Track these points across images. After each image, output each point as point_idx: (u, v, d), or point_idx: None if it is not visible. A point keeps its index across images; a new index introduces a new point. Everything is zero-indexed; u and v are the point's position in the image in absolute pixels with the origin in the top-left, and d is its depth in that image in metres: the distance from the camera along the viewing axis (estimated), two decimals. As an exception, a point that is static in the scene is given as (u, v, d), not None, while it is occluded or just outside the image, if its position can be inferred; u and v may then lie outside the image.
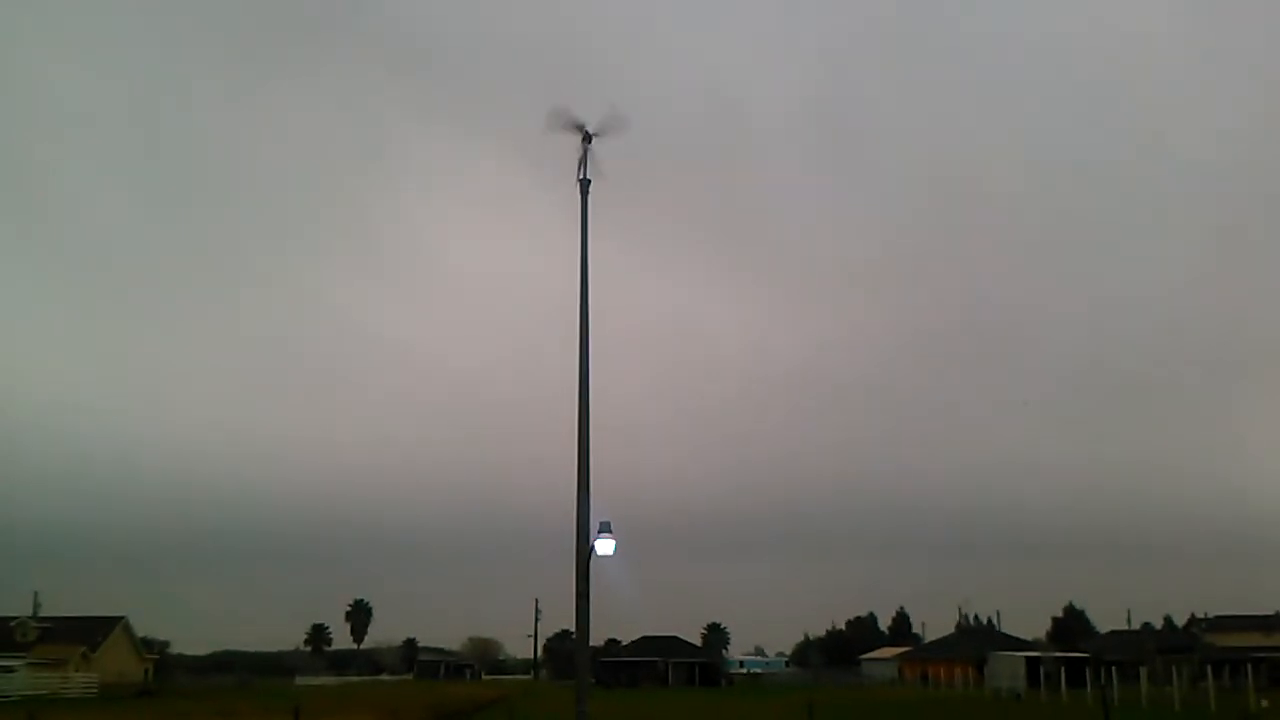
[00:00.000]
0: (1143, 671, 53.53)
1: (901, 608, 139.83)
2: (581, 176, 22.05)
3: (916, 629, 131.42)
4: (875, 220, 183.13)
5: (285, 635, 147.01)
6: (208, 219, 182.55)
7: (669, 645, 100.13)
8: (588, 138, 21.88)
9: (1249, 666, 48.30)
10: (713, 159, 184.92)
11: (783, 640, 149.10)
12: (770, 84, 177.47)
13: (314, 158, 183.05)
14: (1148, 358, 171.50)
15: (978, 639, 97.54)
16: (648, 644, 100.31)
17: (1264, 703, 41.00)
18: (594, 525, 19.70)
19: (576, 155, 22.01)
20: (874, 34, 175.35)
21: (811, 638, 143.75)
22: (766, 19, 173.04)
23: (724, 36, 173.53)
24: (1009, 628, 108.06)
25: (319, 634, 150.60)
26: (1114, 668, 54.73)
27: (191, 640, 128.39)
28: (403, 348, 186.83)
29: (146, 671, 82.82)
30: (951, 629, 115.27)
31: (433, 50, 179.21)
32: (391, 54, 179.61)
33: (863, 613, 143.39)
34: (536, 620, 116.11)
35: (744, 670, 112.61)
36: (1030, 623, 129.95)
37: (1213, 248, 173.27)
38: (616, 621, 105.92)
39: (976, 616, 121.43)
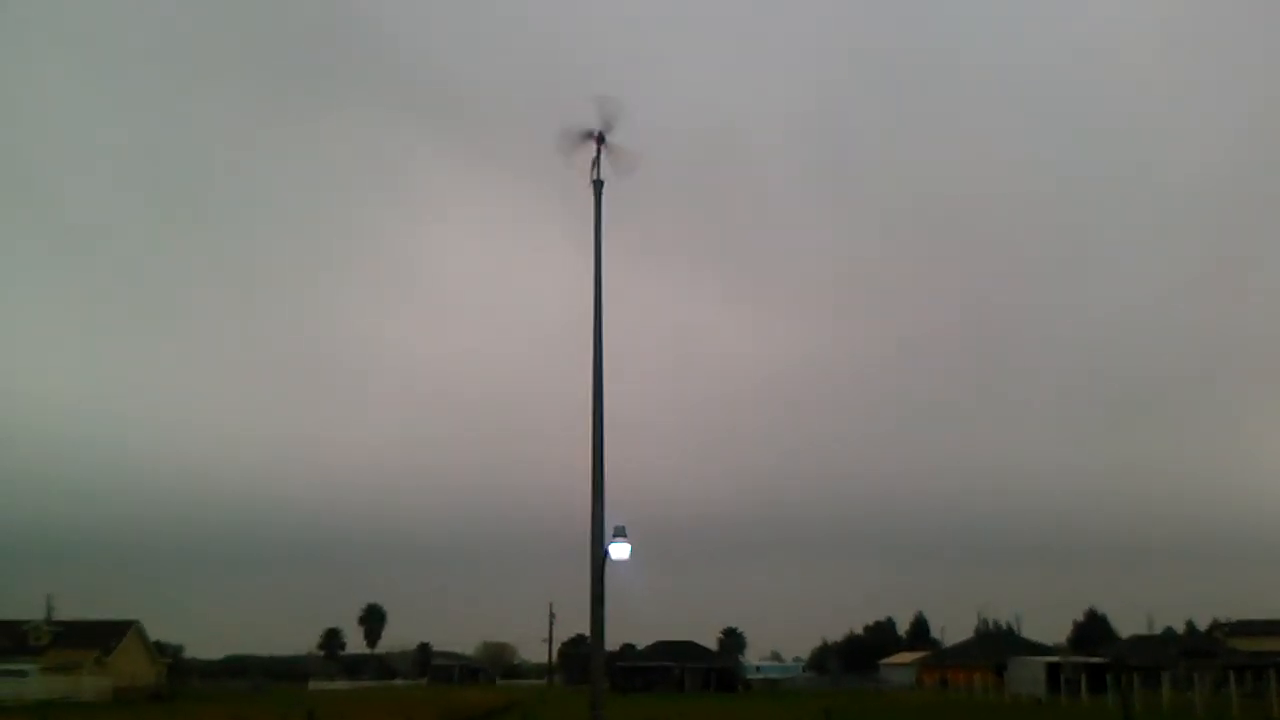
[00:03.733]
0: (1165, 677, 52.77)
1: (920, 612, 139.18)
2: (595, 177, 21.95)
3: (935, 634, 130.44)
4: (875, 231, 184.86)
5: (299, 640, 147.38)
6: (225, 234, 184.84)
7: (685, 650, 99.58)
8: (600, 138, 21.83)
9: (1273, 672, 47.43)
10: (712, 176, 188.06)
11: (800, 645, 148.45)
12: (767, 105, 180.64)
13: (329, 176, 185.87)
14: (1160, 364, 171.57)
15: (998, 644, 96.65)
16: (663, 649, 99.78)
17: (1289, 709, 40.26)
18: (609, 530, 19.47)
19: (589, 157, 21.92)
20: (869, 55, 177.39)
21: (829, 643, 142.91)
22: (764, 44, 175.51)
23: (722, 61, 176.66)
24: (1029, 633, 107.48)
25: (332, 639, 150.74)
26: (1136, 673, 53.94)
27: (205, 644, 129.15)
28: (416, 357, 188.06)
29: (159, 676, 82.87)
30: (971, 634, 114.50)
31: (441, 79, 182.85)
32: (403, 83, 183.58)
33: (881, 617, 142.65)
34: (551, 625, 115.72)
35: (761, 675, 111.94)
36: (1051, 628, 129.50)
37: (1212, 256, 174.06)
38: (632, 626, 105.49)
39: (996, 621, 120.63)
